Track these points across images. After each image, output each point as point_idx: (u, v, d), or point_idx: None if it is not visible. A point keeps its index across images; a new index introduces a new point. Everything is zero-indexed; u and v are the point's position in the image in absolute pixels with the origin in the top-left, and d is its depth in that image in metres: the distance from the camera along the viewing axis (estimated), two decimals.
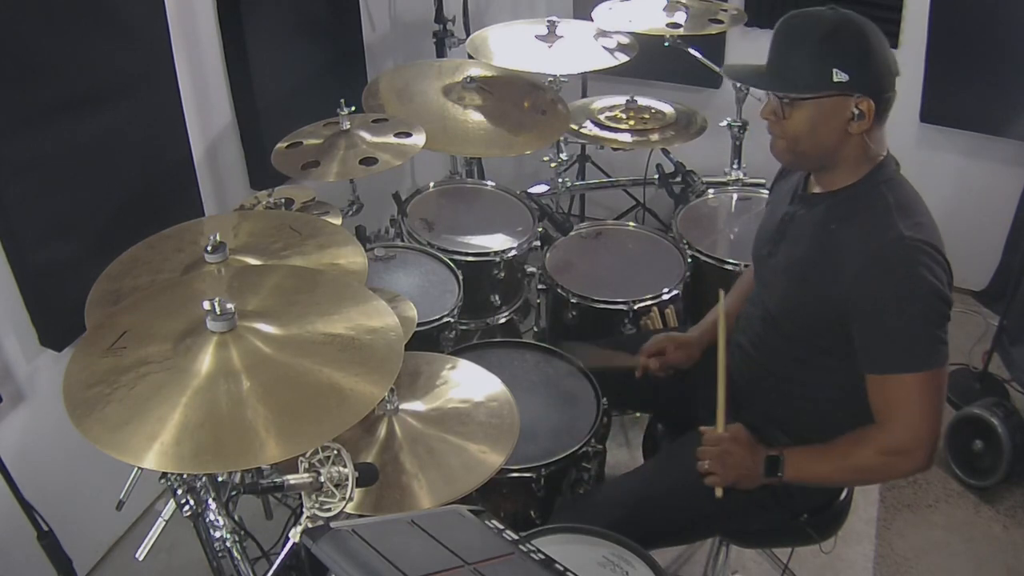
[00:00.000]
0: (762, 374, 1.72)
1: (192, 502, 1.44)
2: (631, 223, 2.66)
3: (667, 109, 2.87)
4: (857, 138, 1.49)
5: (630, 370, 1.91)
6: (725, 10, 2.76)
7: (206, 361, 1.31)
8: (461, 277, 2.29)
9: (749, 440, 1.62)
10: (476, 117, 2.47)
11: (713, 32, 2.69)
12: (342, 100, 2.18)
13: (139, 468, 1.46)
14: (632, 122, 2.80)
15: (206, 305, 1.33)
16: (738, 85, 2.73)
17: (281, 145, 2.17)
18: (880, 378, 1.49)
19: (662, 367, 1.88)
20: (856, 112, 1.45)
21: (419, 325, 1.97)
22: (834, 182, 1.55)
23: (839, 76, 1.42)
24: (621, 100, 2.89)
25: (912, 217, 1.46)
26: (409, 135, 2.17)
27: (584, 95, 3.21)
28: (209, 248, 1.65)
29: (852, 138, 1.48)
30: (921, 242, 1.43)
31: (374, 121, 2.22)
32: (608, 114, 2.84)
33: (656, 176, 2.81)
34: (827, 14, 1.46)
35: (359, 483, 1.17)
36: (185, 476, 1.44)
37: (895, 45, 2.89)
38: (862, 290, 1.45)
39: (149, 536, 1.49)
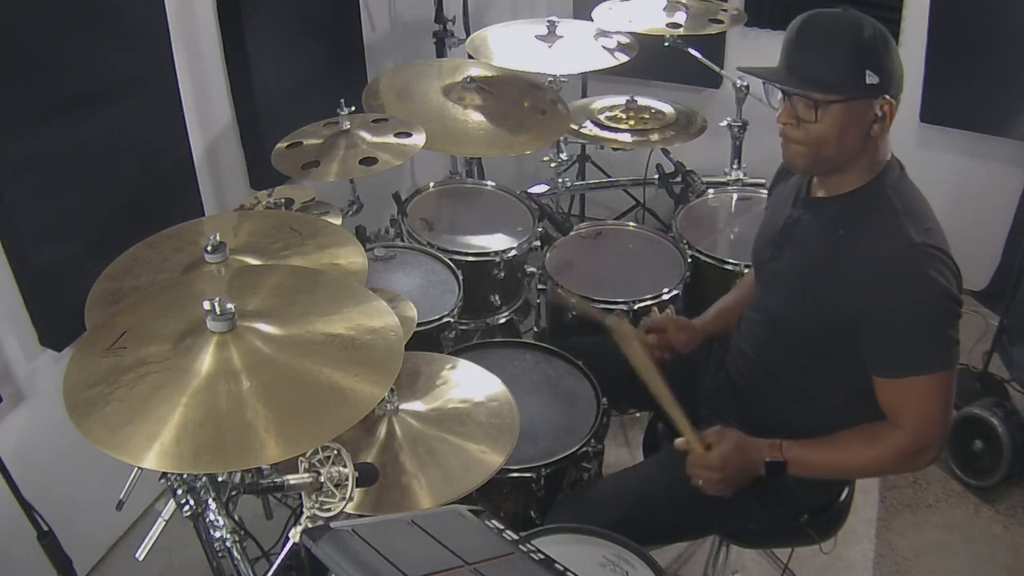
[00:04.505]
0: (765, 380, 1.71)
1: (192, 502, 1.44)
2: (631, 223, 2.65)
3: (667, 109, 2.87)
4: (872, 141, 1.49)
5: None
6: (725, 10, 2.76)
7: (206, 361, 1.31)
8: (461, 277, 2.29)
9: (739, 444, 1.58)
10: (476, 117, 2.47)
11: (713, 32, 2.69)
12: (342, 100, 2.18)
13: (139, 468, 1.46)
14: (632, 122, 2.80)
15: (206, 305, 1.33)
16: (738, 85, 2.73)
17: (281, 145, 2.17)
18: (894, 381, 1.48)
19: (661, 345, 1.86)
20: (879, 114, 1.45)
21: (419, 325, 1.97)
22: (841, 186, 1.55)
23: (871, 78, 1.42)
24: (621, 100, 2.88)
25: (922, 223, 1.46)
26: (409, 135, 2.17)
27: (584, 95, 3.21)
28: (209, 248, 1.65)
29: (870, 141, 1.48)
30: (932, 247, 1.43)
31: (374, 121, 2.22)
32: (608, 114, 2.83)
33: (656, 176, 2.81)
34: (849, 15, 1.44)
35: (359, 483, 1.17)
36: (185, 476, 1.44)
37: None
38: (874, 297, 1.44)
39: (149, 536, 1.49)
